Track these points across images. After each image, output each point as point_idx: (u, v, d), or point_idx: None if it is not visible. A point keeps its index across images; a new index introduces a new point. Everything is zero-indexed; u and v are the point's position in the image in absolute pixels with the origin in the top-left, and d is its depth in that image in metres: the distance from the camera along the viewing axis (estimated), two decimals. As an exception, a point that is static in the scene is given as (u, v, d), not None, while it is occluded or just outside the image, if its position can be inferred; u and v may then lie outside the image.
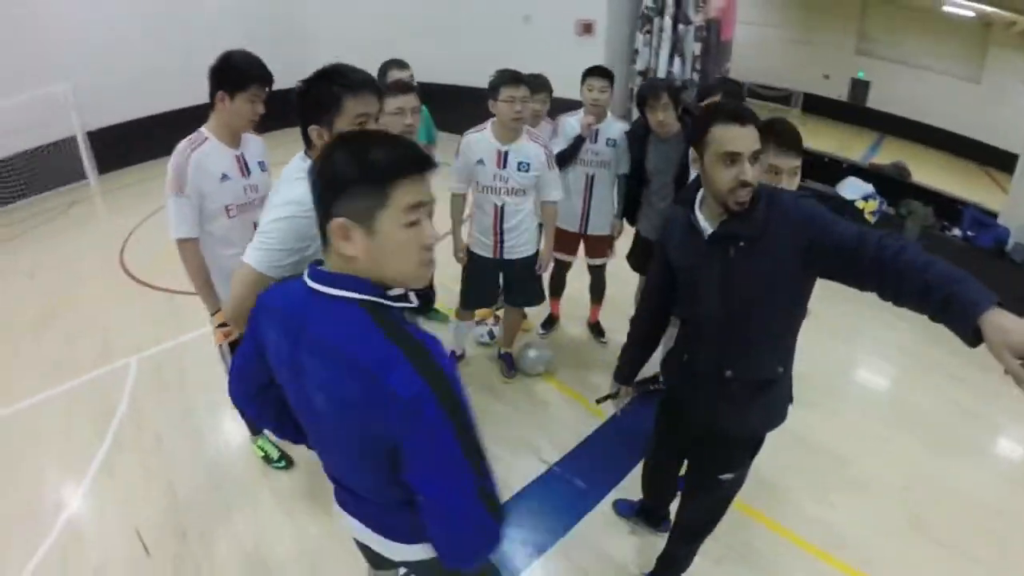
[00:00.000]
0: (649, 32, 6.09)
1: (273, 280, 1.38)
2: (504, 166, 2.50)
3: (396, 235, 0.90)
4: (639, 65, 6.29)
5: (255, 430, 2.65)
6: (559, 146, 2.87)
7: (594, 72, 2.74)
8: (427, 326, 3.58)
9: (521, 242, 2.69)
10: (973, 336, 1.01)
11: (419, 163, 0.92)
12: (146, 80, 6.39)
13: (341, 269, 0.94)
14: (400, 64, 2.77)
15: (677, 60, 5.98)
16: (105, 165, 6.42)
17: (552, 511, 2.38)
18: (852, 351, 3.59)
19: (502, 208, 2.58)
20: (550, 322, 3.62)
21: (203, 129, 1.99)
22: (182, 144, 1.95)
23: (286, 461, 2.61)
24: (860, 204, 4.64)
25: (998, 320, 0.97)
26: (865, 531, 2.27)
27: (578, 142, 2.83)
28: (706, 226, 1.41)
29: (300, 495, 2.48)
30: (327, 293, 0.93)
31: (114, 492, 2.54)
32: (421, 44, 6.72)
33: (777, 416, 1.58)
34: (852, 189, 4.75)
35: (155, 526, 2.34)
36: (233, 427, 2.84)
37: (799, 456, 2.63)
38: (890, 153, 6.23)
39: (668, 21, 5.82)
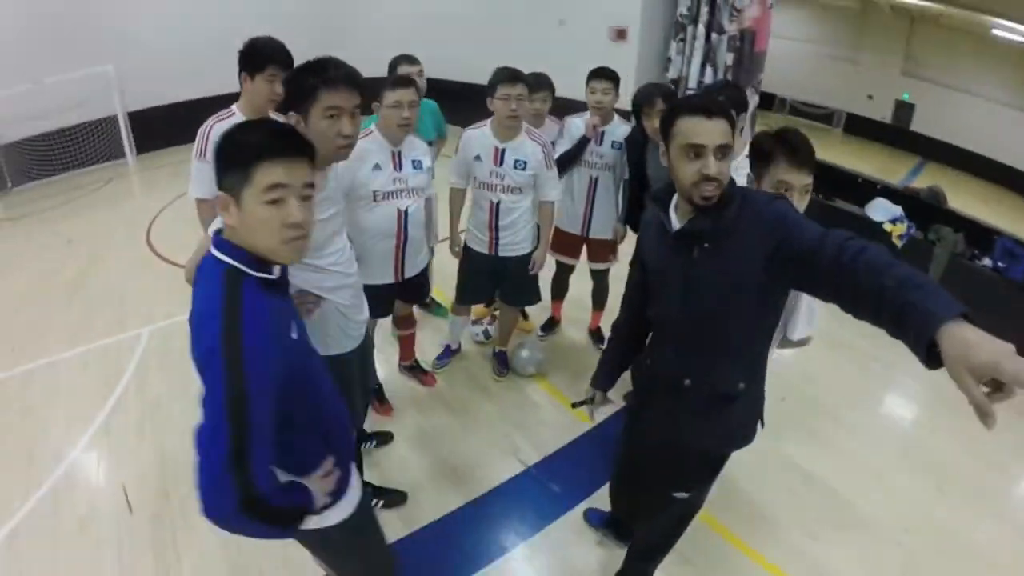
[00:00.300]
0: (683, 40, 6.02)
1: None
2: (501, 163, 2.50)
3: (257, 212, 1.00)
4: (671, 73, 6.21)
5: None
6: (565, 147, 2.85)
7: (597, 74, 2.71)
8: (428, 320, 3.62)
9: (517, 240, 2.68)
10: (928, 355, 0.85)
11: (279, 148, 1.00)
12: (187, 66, 6.63)
13: (227, 237, 1.05)
14: (410, 59, 2.80)
15: (709, 69, 5.88)
16: (143, 146, 6.69)
17: (521, 513, 2.35)
18: (874, 381, 3.40)
19: (498, 205, 2.58)
20: (550, 325, 3.60)
21: (233, 106, 2.17)
22: (211, 117, 2.14)
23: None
24: (888, 227, 4.48)
25: (960, 333, 0.80)
26: (853, 572, 2.15)
27: (582, 143, 2.81)
28: (676, 224, 1.36)
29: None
30: (213, 254, 1.04)
31: (109, 451, 2.67)
32: (461, 43, 6.83)
33: (739, 436, 1.51)
34: (880, 211, 4.58)
35: (141, 486, 2.45)
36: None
37: (794, 484, 2.53)
38: (931, 179, 6.00)
39: (701, 29, 5.74)
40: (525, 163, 2.49)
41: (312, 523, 1.20)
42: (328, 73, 1.46)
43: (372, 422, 2.80)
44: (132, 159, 6.58)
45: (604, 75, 2.71)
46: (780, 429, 2.81)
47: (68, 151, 6.07)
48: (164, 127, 6.78)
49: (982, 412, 0.77)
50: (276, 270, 1.07)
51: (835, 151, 7.92)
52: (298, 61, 2.01)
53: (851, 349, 3.37)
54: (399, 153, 2.28)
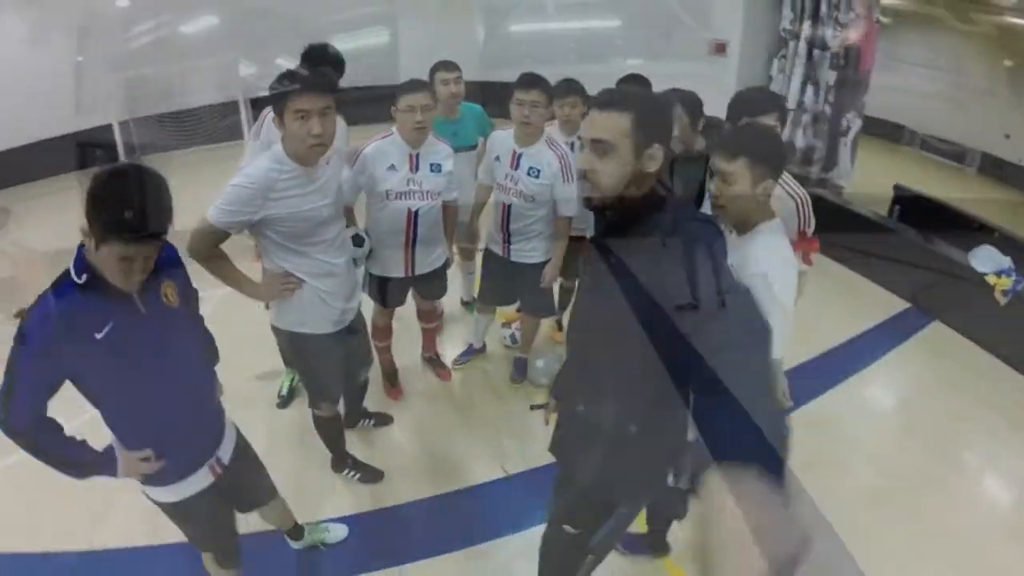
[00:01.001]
0: (784, 57, 5.64)
1: (222, 233, 1.74)
2: (516, 167, 2.52)
3: (110, 265, 1.20)
4: (771, 91, 5.85)
5: (286, 362, 2.93)
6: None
7: (622, 81, 2.60)
8: (464, 317, 3.73)
9: (528, 248, 2.68)
10: None
11: (123, 229, 1.16)
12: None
13: (84, 241, 1.22)
14: (448, 66, 2.84)
15: (810, 88, 5.47)
16: (262, 129, 7.43)
17: (484, 518, 2.35)
18: (949, 469, 2.69)
19: (509, 208, 2.60)
20: (580, 338, 3.53)
21: None
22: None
23: (285, 402, 2.91)
24: (991, 279, 3.92)
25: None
26: None
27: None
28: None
29: (284, 439, 2.72)
30: None
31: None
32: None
33: (633, 485, 1.38)
34: (985, 261, 4.01)
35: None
36: (260, 358, 3.02)
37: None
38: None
39: (804, 46, 5.34)
40: (539, 171, 2.48)
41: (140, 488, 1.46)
42: (295, 79, 1.64)
43: (379, 403, 2.93)
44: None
45: (628, 82, 2.59)
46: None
47: (192, 129, 6.89)
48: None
49: None
50: (84, 276, 1.21)
51: (962, 193, 6.97)
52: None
53: (927, 430, 2.93)
54: (417, 156, 2.37)
